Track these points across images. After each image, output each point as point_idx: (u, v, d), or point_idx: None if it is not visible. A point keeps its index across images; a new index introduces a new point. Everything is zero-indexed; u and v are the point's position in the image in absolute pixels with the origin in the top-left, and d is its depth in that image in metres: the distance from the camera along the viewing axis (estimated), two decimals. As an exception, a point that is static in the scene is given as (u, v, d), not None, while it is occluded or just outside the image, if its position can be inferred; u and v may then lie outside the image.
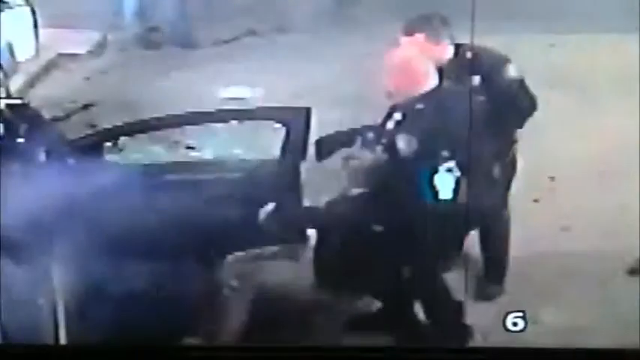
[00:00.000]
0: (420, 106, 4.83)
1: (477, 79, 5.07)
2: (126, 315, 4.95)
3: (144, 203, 5.22)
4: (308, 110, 5.62)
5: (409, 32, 5.41)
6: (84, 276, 5.06)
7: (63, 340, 5.06)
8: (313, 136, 5.55)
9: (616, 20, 8.26)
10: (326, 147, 5.38)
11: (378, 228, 4.81)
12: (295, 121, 5.51)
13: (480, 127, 4.91)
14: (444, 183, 4.84)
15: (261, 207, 5.21)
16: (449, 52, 5.40)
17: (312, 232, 5.25)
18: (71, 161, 5.44)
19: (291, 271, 5.37)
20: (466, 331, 5.22)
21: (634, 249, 5.64)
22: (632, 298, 5.45)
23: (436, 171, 4.83)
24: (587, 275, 5.82)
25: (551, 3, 8.37)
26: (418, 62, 4.94)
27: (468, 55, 5.22)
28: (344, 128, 7.20)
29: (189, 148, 6.23)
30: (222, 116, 5.95)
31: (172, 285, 5.22)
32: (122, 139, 5.77)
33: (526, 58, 7.75)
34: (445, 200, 4.85)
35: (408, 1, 8.78)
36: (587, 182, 6.56)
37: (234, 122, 5.87)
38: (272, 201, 5.29)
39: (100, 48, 8.66)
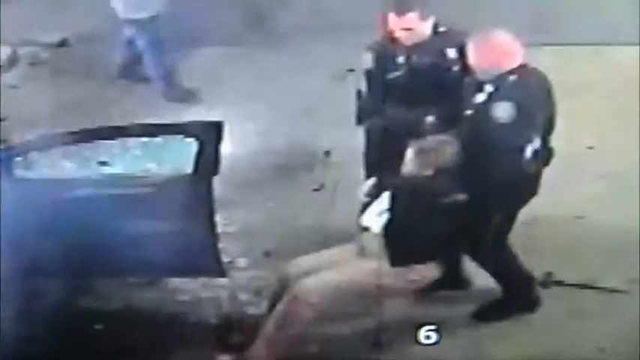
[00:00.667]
0: (512, 78, 5.24)
1: None
2: (34, 327, 4.98)
3: (54, 219, 5.22)
4: (219, 124, 5.66)
5: (401, 12, 5.61)
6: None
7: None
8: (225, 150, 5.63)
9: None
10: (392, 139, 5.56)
11: (462, 197, 5.11)
12: (207, 135, 5.55)
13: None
14: (535, 146, 5.26)
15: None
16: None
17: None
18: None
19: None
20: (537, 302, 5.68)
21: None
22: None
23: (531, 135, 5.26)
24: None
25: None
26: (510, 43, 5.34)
27: None
28: (259, 140, 7.39)
29: (101, 163, 6.24)
30: (134, 131, 5.98)
31: (85, 300, 5.27)
32: (33, 154, 5.74)
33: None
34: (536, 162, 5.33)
35: (324, 18, 9.04)
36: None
37: (146, 137, 5.92)
38: (184, 214, 5.37)
39: (10, 62, 8.59)
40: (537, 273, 5.78)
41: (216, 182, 5.49)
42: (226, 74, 8.28)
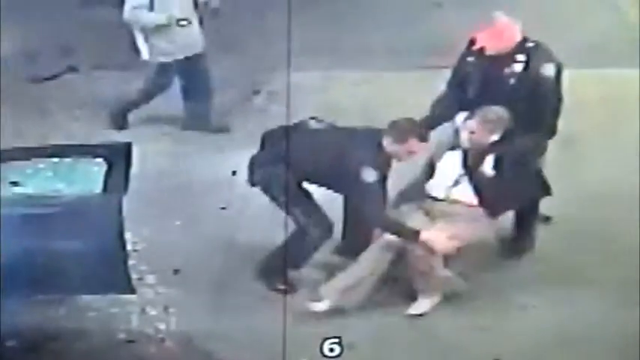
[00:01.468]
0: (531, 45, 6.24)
1: None
2: None
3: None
4: (128, 145, 5.84)
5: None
6: None
7: None
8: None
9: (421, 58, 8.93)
10: None
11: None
12: (116, 156, 5.72)
13: None
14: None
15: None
16: None
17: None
18: None
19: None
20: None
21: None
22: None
23: None
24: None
25: (362, 41, 8.87)
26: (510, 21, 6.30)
27: None
28: (168, 160, 7.51)
29: (12, 183, 6.30)
30: (45, 152, 6.08)
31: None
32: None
33: (338, 93, 8.34)
34: None
35: (232, 40, 9.22)
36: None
37: (57, 158, 6.02)
38: (94, 233, 5.52)
39: None
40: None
41: (126, 201, 5.62)
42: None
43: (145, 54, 7.69)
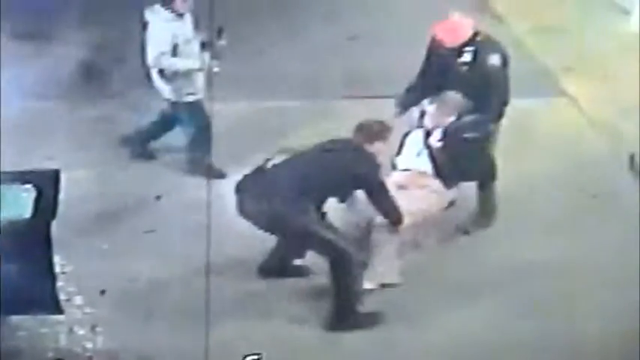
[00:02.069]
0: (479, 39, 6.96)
1: None
2: None
3: None
4: (57, 172, 6.01)
5: None
6: None
7: None
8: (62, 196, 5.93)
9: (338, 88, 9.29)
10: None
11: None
12: (45, 182, 5.88)
13: None
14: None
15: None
16: None
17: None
18: None
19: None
20: None
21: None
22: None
23: None
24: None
25: (281, 72, 9.18)
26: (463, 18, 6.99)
27: None
28: (95, 186, 7.62)
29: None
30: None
31: None
32: None
33: (259, 122, 8.60)
34: None
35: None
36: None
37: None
38: (24, 256, 5.68)
39: None
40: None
41: (55, 226, 5.78)
42: (63, 124, 8.51)
43: (167, 94, 7.65)
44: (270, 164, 6.35)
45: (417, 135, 6.99)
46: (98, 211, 7.37)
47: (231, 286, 6.63)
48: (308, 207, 6.14)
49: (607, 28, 11.29)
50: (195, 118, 7.74)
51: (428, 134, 6.89)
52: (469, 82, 6.80)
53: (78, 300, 6.44)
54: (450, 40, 6.85)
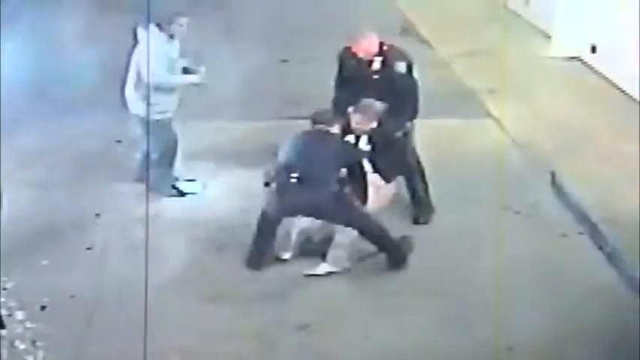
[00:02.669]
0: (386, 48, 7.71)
1: None
2: None
3: None
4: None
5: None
6: None
7: None
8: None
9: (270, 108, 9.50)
10: None
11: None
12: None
13: None
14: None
15: None
16: None
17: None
18: None
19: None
20: None
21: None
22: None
23: None
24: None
25: (217, 92, 9.32)
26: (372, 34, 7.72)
27: None
28: (36, 203, 7.67)
29: None
30: None
31: None
32: None
33: (195, 140, 8.80)
34: None
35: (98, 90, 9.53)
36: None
37: None
38: None
39: None
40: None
41: None
42: (9, 143, 8.43)
43: (137, 110, 7.77)
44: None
45: (350, 140, 7.42)
46: (39, 228, 7.45)
47: (170, 302, 6.72)
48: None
49: (529, 51, 11.81)
50: (164, 136, 7.86)
51: (357, 138, 7.36)
52: (382, 88, 7.41)
53: (19, 315, 6.48)
54: (363, 53, 7.53)
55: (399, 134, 7.47)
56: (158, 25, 7.64)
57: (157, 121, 7.69)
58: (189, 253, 7.37)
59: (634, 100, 10.10)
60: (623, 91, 10.39)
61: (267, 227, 7.09)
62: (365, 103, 7.34)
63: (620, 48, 10.63)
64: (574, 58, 11.54)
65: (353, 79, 7.66)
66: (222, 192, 8.26)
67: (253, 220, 7.19)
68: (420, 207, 7.86)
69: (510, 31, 12.27)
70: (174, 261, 7.21)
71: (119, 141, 8.96)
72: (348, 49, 7.71)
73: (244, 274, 7.10)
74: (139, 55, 7.70)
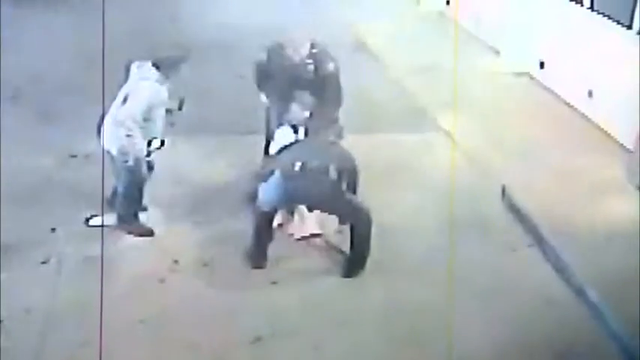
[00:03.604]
0: (315, 51, 8.37)
1: None
2: None
3: None
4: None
5: None
6: None
7: None
8: None
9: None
10: None
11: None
12: None
13: None
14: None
15: None
16: None
17: None
18: None
19: None
20: None
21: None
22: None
23: None
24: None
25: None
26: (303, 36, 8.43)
27: None
28: None
29: None
30: None
31: None
32: None
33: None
34: None
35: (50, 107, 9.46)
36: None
37: None
38: None
39: None
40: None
41: None
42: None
43: (109, 146, 7.60)
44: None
45: (287, 129, 7.82)
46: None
47: (125, 317, 6.74)
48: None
49: (480, 67, 12.02)
50: (132, 176, 7.67)
51: (295, 129, 7.78)
52: (313, 84, 8.09)
53: (-25, 329, 6.47)
54: (297, 54, 8.20)
55: (327, 124, 7.87)
56: (154, 65, 7.51)
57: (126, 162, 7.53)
58: (142, 266, 7.40)
59: (581, 114, 10.31)
60: (570, 106, 10.59)
61: (264, 222, 7.45)
62: (299, 94, 7.90)
63: (567, 64, 10.88)
64: (523, 73, 11.77)
65: (291, 80, 8.16)
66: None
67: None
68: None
69: (462, 47, 12.47)
70: (128, 273, 7.25)
71: (74, 156, 8.97)
72: (279, 44, 8.31)
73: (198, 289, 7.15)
74: (126, 90, 7.54)
